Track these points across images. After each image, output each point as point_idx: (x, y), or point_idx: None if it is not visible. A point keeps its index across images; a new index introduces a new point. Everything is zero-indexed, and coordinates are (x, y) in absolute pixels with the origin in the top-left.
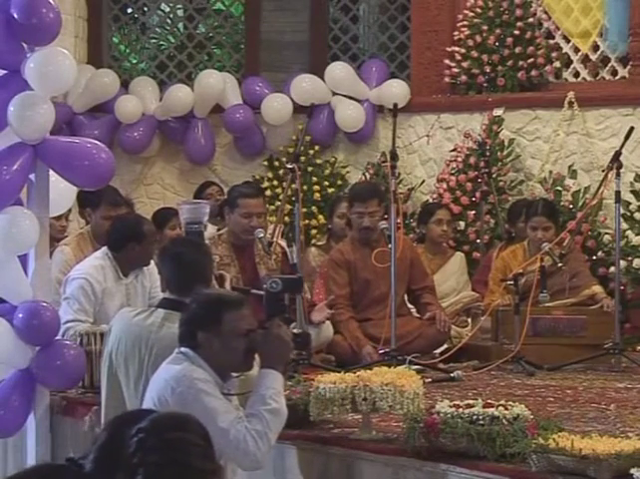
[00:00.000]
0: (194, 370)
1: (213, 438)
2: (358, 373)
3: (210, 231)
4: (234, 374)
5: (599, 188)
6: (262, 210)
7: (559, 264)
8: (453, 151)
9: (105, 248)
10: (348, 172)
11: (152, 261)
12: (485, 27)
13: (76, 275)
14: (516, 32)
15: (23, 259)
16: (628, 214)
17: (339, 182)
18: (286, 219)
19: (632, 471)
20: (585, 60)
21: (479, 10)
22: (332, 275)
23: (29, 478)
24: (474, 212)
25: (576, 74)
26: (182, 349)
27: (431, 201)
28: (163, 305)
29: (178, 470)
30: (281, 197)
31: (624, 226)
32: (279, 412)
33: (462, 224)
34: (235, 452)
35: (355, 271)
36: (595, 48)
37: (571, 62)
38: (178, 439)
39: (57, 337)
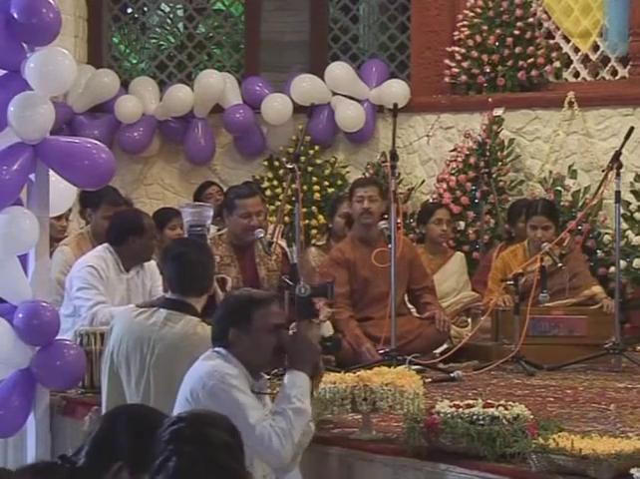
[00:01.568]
0: (227, 367)
1: (241, 433)
2: (358, 373)
3: (211, 231)
4: (265, 376)
5: (599, 188)
6: (260, 208)
7: (559, 264)
8: (453, 151)
9: (106, 244)
10: (348, 172)
11: (153, 260)
12: (485, 27)
13: (82, 265)
14: (516, 32)
15: (23, 259)
16: (628, 214)
17: (339, 182)
18: (286, 219)
19: (632, 471)
20: (585, 60)
21: (479, 10)
22: (332, 274)
23: (23, 476)
24: (473, 212)
25: (576, 74)
26: (216, 348)
27: (431, 201)
28: (166, 305)
29: (211, 467)
30: (281, 197)
31: (624, 226)
32: (304, 412)
33: (462, 224)
34: (260, 448)
35: (354, 270)
36: (595, 48)
37: (571, 62)
38: (215, 436)
39: (57, 337)
